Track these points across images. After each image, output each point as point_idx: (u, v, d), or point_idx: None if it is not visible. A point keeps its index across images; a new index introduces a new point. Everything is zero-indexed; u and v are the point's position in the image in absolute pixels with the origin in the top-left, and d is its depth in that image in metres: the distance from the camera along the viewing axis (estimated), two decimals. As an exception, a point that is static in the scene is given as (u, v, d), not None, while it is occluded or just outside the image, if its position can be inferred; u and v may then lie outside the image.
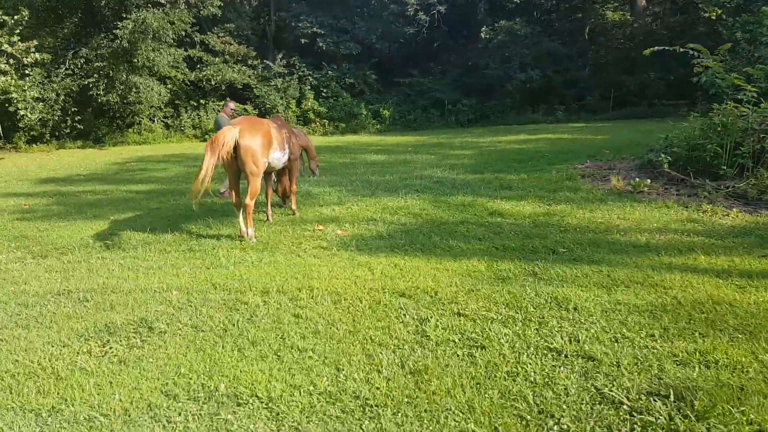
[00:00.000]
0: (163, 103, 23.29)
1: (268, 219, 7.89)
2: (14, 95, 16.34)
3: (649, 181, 8.27)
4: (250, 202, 6.65)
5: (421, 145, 18.49)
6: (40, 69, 18.30)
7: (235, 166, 6.68)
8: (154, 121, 23.11)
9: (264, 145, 6.78)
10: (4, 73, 15.87)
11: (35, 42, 17.17)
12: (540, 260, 5.32)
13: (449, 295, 4.44)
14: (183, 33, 22.02)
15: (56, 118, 19.32)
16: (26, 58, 16.80)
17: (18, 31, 16.70)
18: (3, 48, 16.22)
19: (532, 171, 11.04)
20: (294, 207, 8.05)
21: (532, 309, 4.11)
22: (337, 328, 3.87)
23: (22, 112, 16.84)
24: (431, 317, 4.00)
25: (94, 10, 21.50)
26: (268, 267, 5.36)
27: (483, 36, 27.05)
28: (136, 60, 19.75)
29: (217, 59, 24.38)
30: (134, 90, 20.53)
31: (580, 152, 13.42)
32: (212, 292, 4.67)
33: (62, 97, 19.31)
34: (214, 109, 24.54)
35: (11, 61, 16.43)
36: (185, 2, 22.21)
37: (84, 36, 21.31)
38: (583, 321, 3.86)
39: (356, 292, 4.57)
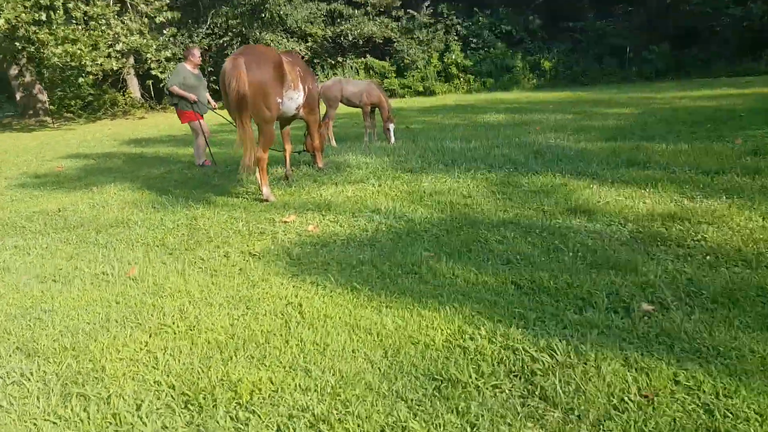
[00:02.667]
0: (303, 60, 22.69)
1: (287, 179, 6.29)
2: (148, 55, 16.86)
3: None
4: (262, 154, 5.25)
5: (571, 102, 14.68)
6: (175, 29, 18.70)
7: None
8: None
9: (277, 80, 5.09)
10: (137, 32, 16.34)
11: (167, 0, 17.42)
12: (572, 332, 2.51)
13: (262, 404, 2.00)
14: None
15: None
16: (158, 17, 17.17)
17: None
18: (139, 8, 16.73)
19: (701, 139, 7.27)
20: (321, 164, 6.78)
21: None
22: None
23: (154, 72, 17.45)
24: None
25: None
26: (118, 287, 3.42)
27: (683, -41, 20.81)
28: (264, 14, 19.07)
29: (357, 12, 22.79)
30: (265, 47, 20.07)
31: (801, 110, 8.75)
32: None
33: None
34: (352, 66, 23.22)
35: (145, 20, 16.92)
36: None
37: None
38: None
39: (120, 375, 2.39)
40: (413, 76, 22.49)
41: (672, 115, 10.10)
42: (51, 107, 20.62)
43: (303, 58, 22.53)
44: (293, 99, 5.62)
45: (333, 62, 23.44)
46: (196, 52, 7.83)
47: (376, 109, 8.92)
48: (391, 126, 8.60)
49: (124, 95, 21.79)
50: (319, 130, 6.62)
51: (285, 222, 4.66)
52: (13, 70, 19.22)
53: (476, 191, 5.29)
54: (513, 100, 17.12)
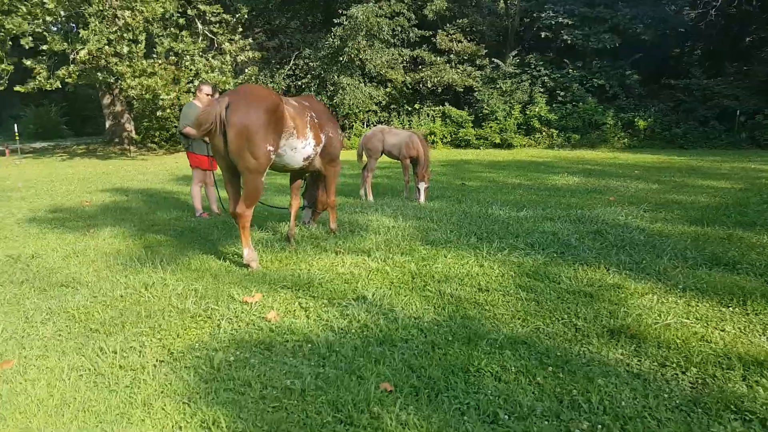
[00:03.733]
0: (380, 106, 22.45)
1: (289, 240, 5.46)
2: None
3: None
4: (244, 210, 4.50)
5: (661, 169, 12.96)
6: (257, 68, 19.14)
7: (227, 157, 4.43)
8: (367, 125, 22.41)
9: (268, 124, 4.35)
10: (216, 69, 16.79)
11: (250, 40, 17.84)
12: None
13: None
14: (401, 28, 20.60)
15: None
16: (239, 56, 17.61)
17: (240, 30, 17.62)
18: (223, 47, 17.28)
19: (820, 232, 5.65)
20: (333, 225, 5.85)
21: None
22: None
23: (231, 109, 17.66)
24: None
25: (330, 11, 21.78)
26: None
27: (810, 15, 18.32)
28: (342, 58, 19.02)
29: (440, 59, 22.32)
30: (341, 91, 20.00)
31: None
32: None
33: (274, 98, 19.78)
34: (428, 114, 22.59)
35: (227, 58, 17.40)
36: (408, -2, 20.63)
37: (313, 37, 21.73)
38: None
39: None
40: (491, 127, 21.41)
41: (783, 196, 8.30)
42: (136, 137, 21.72)
43: (380, 103, 22.33)
44: (297, 149, 4.88)
45: (410, 109, 22.99)
46: (205, 88, 7.18)
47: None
48: (423, 185, 7.65)
49: (206, 131, 22.66)
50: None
51: (246, 302, 3.82)
52: (106, 99, 20.59)
53: (497, 283, 4.17)
54: (596, 161, 15.57)
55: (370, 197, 8.20)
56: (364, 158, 8.31)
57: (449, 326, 3.40)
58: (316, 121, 5.14)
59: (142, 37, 14.74)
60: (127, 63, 15.11)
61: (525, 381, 2.72)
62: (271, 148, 4.47)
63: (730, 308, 3.62)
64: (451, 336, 3.25)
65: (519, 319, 3.52)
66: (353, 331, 3.35)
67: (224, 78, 17.26)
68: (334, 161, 5.59)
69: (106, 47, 14.19)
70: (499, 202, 7.76)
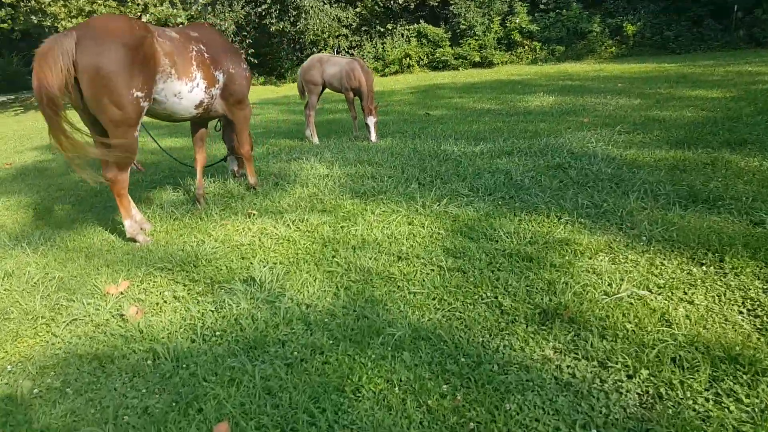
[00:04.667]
0: (350, 29, 20.76)
1: (198, 202, 4.67)
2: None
3: None
4: (116, 174, 3.71)
5: (648, 79, 11.85)
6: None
7: (86, 110, 3.56)
8: (338, 51, 20.80)
9: (132, 64, 3.40)
10: (165, 1, 15.15)
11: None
12: None
13: None
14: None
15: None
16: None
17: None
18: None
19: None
20: (252, 179, 4.97)
21: None
22: None
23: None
24: None
25: None
26: None
27: None
28: (300, -27, 17.22)
29: (412, -30, 20.36)
30: (304, 15, 18.27)
31: None
32: None
33: (232, 28, 18.12)
34: (402, 35, 20.92)
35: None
36: None
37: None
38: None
39: None
40: (469, 44, 19.87)
41: (780, 103, 7.38)
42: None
43: (350, 26, 20.56)
44: (182, 94, 3.92)
45: (382, 30, 21.24)
46: None
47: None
48: (371, 120, 6.69)
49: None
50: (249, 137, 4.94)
51: (108, 294, 3.08)
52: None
53: (422, 248, 3.41)
54: (578, 75, 14.38)
55: (315, 139, 7.29)
56: (307, 94, 7.32)
57: (344, 316, 2.68)
58: (206, 56, 4.14)
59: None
60: (62, 2, 13.52)
61: (412, 405, 2.03)
62: (140, 95, 3.53)
63: (704, 266, 2.89)
64: (342, 332, 2.54)
65: (434, 299, 2.79)
66: (219, 332, 2.63)
67: (175, 11, 15.66)
68: (241, 103, 4.64)
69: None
70: (458, 135, 6.87)
